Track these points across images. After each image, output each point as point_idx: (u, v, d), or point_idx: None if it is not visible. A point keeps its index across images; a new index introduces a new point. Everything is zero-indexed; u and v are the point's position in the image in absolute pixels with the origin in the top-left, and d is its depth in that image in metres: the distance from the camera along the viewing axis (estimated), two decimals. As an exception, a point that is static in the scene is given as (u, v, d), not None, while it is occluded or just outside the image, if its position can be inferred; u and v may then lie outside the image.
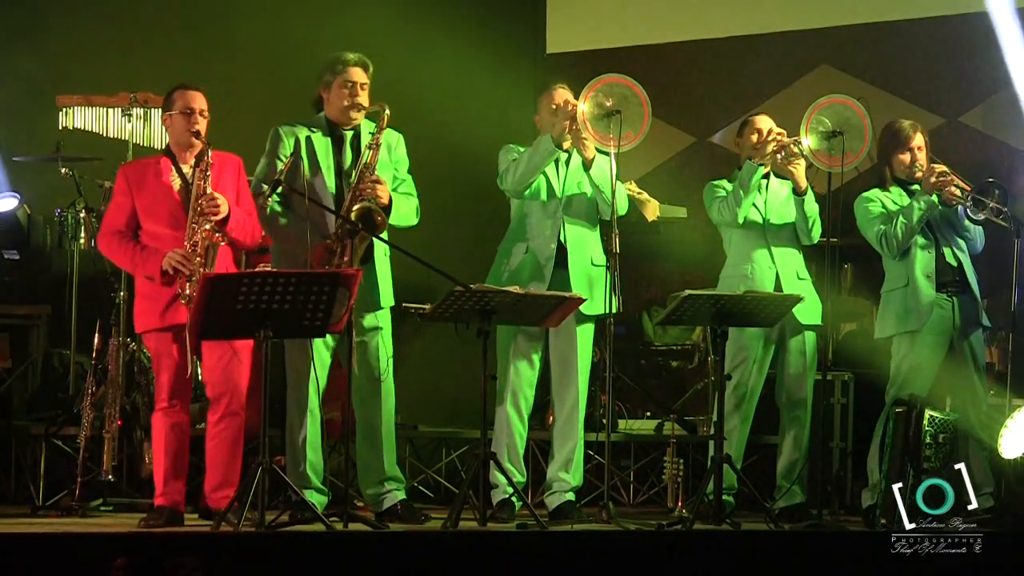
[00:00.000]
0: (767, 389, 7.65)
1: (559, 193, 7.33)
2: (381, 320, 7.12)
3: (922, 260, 7.39)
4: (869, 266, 8.00)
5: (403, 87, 8.55)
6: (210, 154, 6.79)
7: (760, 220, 7.60)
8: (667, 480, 7.94)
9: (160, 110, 7.12)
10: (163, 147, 7.15)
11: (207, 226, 6.74)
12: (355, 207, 6.92)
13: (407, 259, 6.89)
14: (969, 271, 7.42)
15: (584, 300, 7.10)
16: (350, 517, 6.61)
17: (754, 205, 7.58)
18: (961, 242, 7.47)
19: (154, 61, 9.07)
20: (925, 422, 6.96)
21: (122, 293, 7.69)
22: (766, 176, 7.62)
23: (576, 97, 7.21)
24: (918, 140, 7.51)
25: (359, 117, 7.14)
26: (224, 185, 6.84)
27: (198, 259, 6.70)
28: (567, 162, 7.35)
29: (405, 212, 7.14)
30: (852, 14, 9.43)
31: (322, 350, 7.03)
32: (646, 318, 9.17)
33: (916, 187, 7.46)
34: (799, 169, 7.52)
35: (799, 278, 7.59)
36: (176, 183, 6.86)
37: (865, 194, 7.54)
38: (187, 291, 6.67)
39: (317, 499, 7.00)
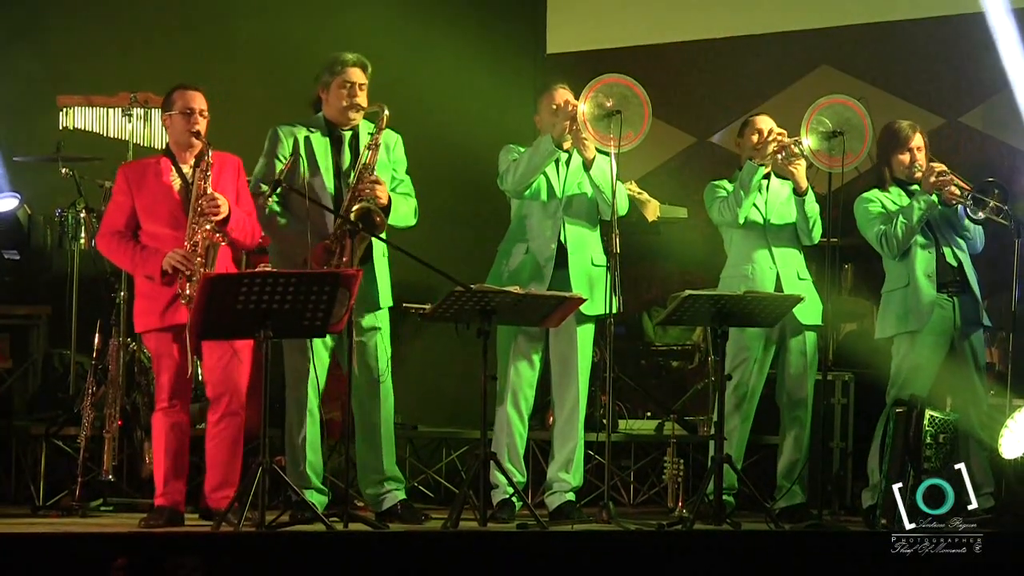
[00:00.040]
0: (767, 389, 7.65)
1: (559, 193, 7.33)
2: (380, 320, 7.12)
3: (923, 260, 7.38)
4: (869, 266, 7.99)
5: (403, 87, 8.56)
6: (210, 154, 6.79)
7: (761, 220, 7.60)
8: (667, 480, 7.94)
9: (160, 110, 7.12)
10: (163, 147, 7.15)
11: (207, 226, 6.74)
12: (354, 207, 6.93)
13: (407, 259, 6.89)
14: (969, 271, 7.42)
15: (584, 300, 7.10)
16: (350, 517, 6.61)
17: (755, 205, 7.58)
18: (961, 242, 7.46)
19: (154, 61, 9.07)
20: (925, 422, 6.96)
21: (122, 293, 7.69)
22: (767, 176, 7.61)
23: (576, 97, 7.21)
24: (917, 140, 7.51)
25: (357, 118, 7.14)
26: (224, 185, 6.84)
27: (199, 259, 6.70)
28: (567, 162, 7.35)
29: (404, 213, 7.14)
30: (852, 14, 9.42)
31: (321, 350, 7.03)
32: (646, 318, 9.17)
33: (915, 187, 7.46)
34: (800, 169, 7.52)
35: (800, 278, 7.59)
36: (176, 183, 6.86)
37: (864, 195, 7.54)
38: (187, 291, 6.67)
39: (317, 499, 7.00)
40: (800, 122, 7.46)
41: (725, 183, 7.68)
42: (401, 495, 7.17)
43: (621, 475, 8.32)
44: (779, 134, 7.53)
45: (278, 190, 6.88)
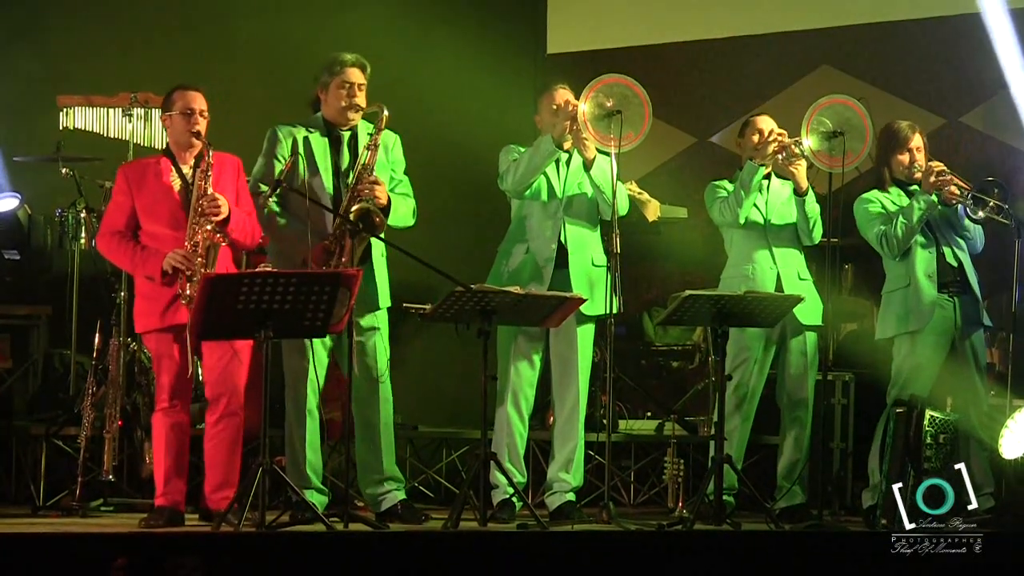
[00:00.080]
0: (768, 389, 7.64)
1: (560, 193, 7.33)
2: (379, 321, 7.12)
3: (923, 260, 7.38)
4: (870, 266, 7.99)
5: (403, 87, 8.56)
6: (211, 155, 6.79)
7: (761, 220, 7.60)
8: (667, 480, 7.94)
9: (160, 110, 7.11)
10: (163, 147, 7.15)
11: (208, 227, 6.74)
12: (354, 208, 6.93)
13: (407, 259, 6.89)
14: (970, 271, 7.42)
15: (584, 300, 7.10)
16: (350, 517, 6.61)
17: (755, 205, 7.58)
18: (961, 242, 7.46)
19: (154, 61, 9.07)
20: (926, 422, 6.96)
21: (123, 293, 7.69)
22: (767, 176, 7.61)
23: (577, 97, 7.21)
24: (916, 141, 7.51)
25: (356, 118, 7.14)
26: (224, 185, 6.84)
27: (199, 259, 6.70)
28: (568, 162, 7.35)
29: (403, 213, 7.14)
30: (852, 14, 9.42)
31: (319, 350, 7.03)
32: (647, 318, 9.17)
33: (915, 188, 7.46)
34: (800, 169, 7.52)
35: (800, 278, 7.58)
36: (176, 183, 6.86)
37: (864, 195, 7.53)
38: (187, 291, 6.67)
39: (317, 499, 7.00)
40: (800, 122, 7.46)
41: (725, 183, 7.68)
42: (401, 495, 7.17)
43: (621, 475, 8.32)
44: (779, 134, 7.52)
45: (278, 190, 6.88)
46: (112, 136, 8.09)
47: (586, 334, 7.33)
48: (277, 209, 7.04)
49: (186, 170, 6.87)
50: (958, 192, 7.34)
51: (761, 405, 7.60)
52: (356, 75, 7.11)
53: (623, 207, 7.35)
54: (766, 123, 7.63)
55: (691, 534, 6.73)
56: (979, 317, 7.42)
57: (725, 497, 7.21)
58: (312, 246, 6.86)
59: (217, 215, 6.74)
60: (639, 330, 9.18)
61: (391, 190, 7.10)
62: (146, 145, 8.01)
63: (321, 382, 7.03)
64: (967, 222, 7.41)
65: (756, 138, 7.61)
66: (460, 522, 6.77)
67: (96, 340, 7.71)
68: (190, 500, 7.00)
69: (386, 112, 7.05)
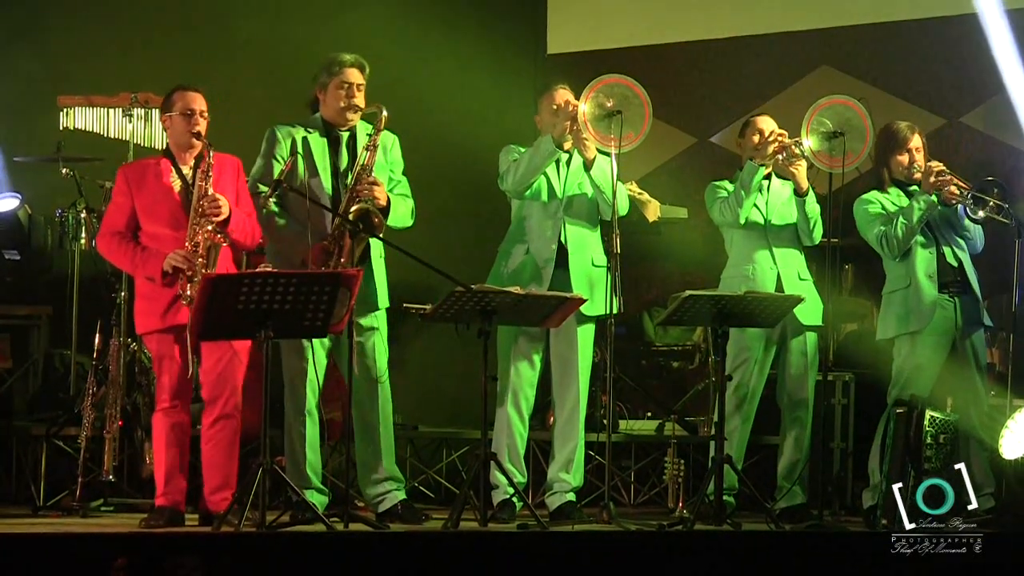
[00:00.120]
0: (768, 390, 7.64)
1: (560, 194, 7.33)
2: (378, 321, 7.12)
3: (923, 261, 7.38)
4: (870, 267, 7.99)
5: (403, 87, 8.56)
6: (211, 155, 6.78)
7: (761, 221, 7.60)
8: (668, 481, 7.93)
9: (160, 111, 7.11)
10: (163, 148, 7.15)
11: (209, 227, 6.74)
12: (353, 208, 6.92)
13: (407, 259, 6.89)
14: (970, 271, 7.42)
15: (585, 300, 7.10)
16: (350, 517, 6.61)
17: (755, 206, 7.58)
18: (961, 242, 7.46)
19: (154, 61, 9.07)
20: (926, 422, 6.96)
21: (123, 293, 7.69)
22: (767, 177, 7.61)
23: (577, 98, 7.21)
24: (915, 141, 7.51)
25: (355, 118, 7.14)
26: (224, 186, 6.84)
27: (200, 260, 6.70)
28: (568, 163, 7.35)
29: (402, 213, 7.14)
30: (852, 14, 9.42)
31: (319, 351, 7.03)
32: (647, 318, 9.17)
33: (914, 188, 7.46)
34: (800, 170, 7.52)
35: (800, 279, 7.58)
36: (176, 184, 6.86)
37: (863, 196, 7.53)
38: (188, 292, 6.67)
39: (317, 499, 7.00)
40: (800, 122, 7.46)
41: (726, 183, 7.68)
42: (401, 495, 7.17)
43: (621, 475, 8.32)
44: (780, 134, 7.52)
45: (278, 191, 6.88)
46: (112, 136, 8.09)
47: (586, 334, 7.33)
48: (276, 210, 7.04)
49: (186, 171, 6.87)
50: (958, 192, 7.34)
51: (761, 405, 7.60)
52: (355, 75, 7.11)
53: (623, 207, 7.35)
54: (766, 123, 7.63)
55: (691, 534, 6.73)
56: (979, 317, 7.42)
57: (725, 497, 7.21)
58: (311, 246, 6.86)
59: (218, 216, 6.74)
60: (639, 330, 9.18)
61: (390, 191, 7.10)
62: (146, 145, 8.00)
63: (320, 382, 7.03)
64: (967, 222, 7.41)
65: (756, 138, 7.61)
66: (460, 522, 6.77)
67: (96, 340, 7.71)
68: (190, 501, 7.00)
69: (385, 113, 7.05)
